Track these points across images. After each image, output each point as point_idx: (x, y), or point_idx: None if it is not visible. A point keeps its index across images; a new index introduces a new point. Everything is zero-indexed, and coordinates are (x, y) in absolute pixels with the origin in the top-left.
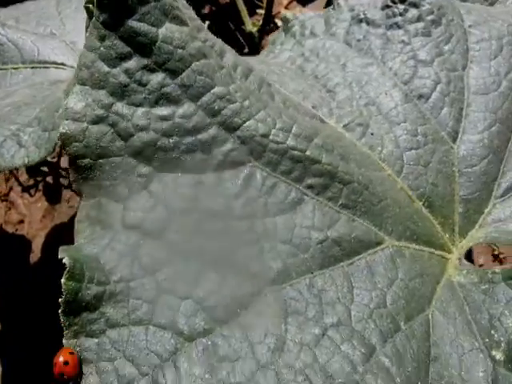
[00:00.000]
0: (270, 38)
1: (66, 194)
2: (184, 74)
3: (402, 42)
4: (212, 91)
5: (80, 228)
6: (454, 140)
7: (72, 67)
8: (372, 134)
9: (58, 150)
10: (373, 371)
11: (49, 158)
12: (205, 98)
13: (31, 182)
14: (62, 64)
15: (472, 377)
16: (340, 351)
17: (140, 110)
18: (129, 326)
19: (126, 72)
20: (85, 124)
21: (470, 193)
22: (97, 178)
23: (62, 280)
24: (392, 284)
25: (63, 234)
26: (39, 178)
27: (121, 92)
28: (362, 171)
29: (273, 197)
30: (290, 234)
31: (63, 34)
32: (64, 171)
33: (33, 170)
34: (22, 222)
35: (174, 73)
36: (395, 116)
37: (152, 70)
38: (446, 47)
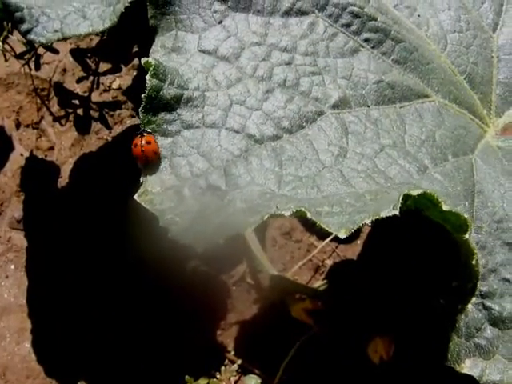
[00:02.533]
0: None
1: (96, 126)
2: None
3: None
4: None
5: (155, 54)
6: (494, 30)
7: None
8: (419, 16)
9: (89, 85)
10: (427, 180)
11: (80, 92)
12: None
13: (62, 113)
14: None
15: None
16: (397, 163)
17: None
18: (202, 128)
19: None
20: None
21: (507, 77)
22: (174, 12)
23: (147, 77)
24: (440, 127)
25: (92, 162)
26: (70, 110)
27: None
28: (411, 37)
29: (333, 43)
30: (349, 72)
31: None
32: (95, 105)
33: (65, 101)
34: (51, 148)
35: None
36: (439, 4)
37: None
38: None
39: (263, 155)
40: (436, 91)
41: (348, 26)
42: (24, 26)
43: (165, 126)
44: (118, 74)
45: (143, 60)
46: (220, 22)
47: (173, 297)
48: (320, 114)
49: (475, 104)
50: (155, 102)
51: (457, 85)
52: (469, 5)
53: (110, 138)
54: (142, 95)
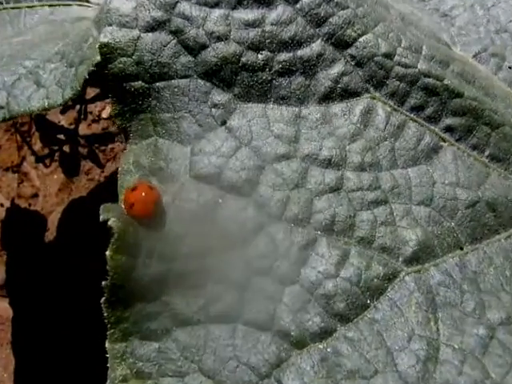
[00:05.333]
0: None
1: (85, 165)
2: None
3: None
4: None
5: (126, 182)
6: None
7: (98, 4)
8: (510, 68)
9: (76, 115)
10: None
11: (66, 124)
12: (306, 0)
13: (46, 151)
14: (87, 1)
15: None
16: None
17: (216, 13)
18: (206, 325)
19: None
20: (136, 31)
21: None
22: (152, 109)
23: (108, 253)
24: None
25: (83, 210)
26: (55, 147)
27: None
28: (510, 111)
29: (401, 140)
30: (428, 190)
31: None
32: (83, 139)
33: (48, 136)
34: (36, 195)
35: None
36: None
37: None
38: None
39: (306, 373)
40: None
41: (421, 108)
42: None
43: (145, 325)
44: (107, 100)
45: (101, 216)
46: (223, 123)
47: None
48: (392, 276)
49: None
50: (124, 291)
51: None
52: None
53: (102, 179)
54: (103, 282)
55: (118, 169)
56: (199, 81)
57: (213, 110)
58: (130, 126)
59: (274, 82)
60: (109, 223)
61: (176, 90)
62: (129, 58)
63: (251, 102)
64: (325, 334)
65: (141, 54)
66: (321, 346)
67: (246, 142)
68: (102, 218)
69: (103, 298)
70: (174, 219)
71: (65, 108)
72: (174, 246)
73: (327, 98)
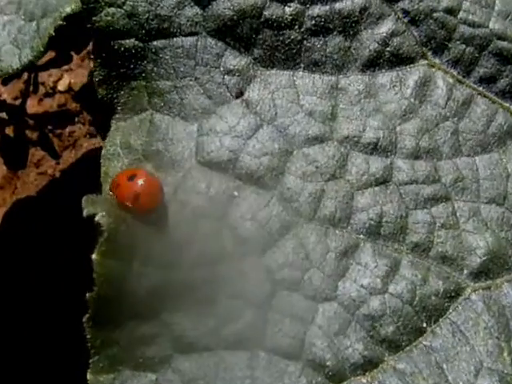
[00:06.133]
0: None
1: (35, 154)
2: None
3: None
4: None
5: (112, 169)
6: None
7: None
8: None
9: (23, 86)
10: None
11: (9, 99)
12: None
13: None
14: None
15: None
16: None
17: None
18: (218, 351)
19: None
20: None
21: None
22: (147, 75)
23: (94, 257)
24: None
25: (30, 212)
26: None
27: None
28: None
29: (467, 121)
30: (502, 187)
31: None
32: (32, 119)
33: None
34: None
35: None
36: None
37: None
38: None
39: None
40: None
41: (492, 80)
42: None
43: (140, 350)
44: (66, 67)
45: (85, 211)
46: (239, 95)
47: None
48: (455, 293)
49: None
50: (112, 307)
51: None
52: None
53: (57, 173)
54: (87, 294)
55: (77, 160)
56: (209, 40)
57: (226, 77)
58: (117, 97)
59: (304, 42)
60: (96, 219)
61: (179, 51)
62: (119, 9)
63: (275, 69)
64: (369, 365)
65: (134, 4)
66: (364, 381)
67: (269, 120)
68: (86, 212)
69: (86, 316)
70: (177, 216)
71: (8, 77)
72: (176, 251)
73: (372, 64)
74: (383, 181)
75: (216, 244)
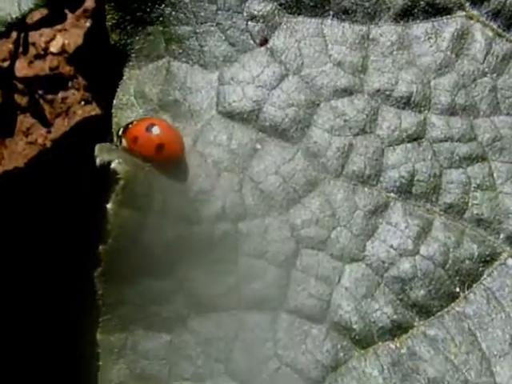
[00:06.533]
0: None
1: (24, 121)
2: None
3: None
4: None
5: (125, 119)
6: None
7: None
8: None
9: (11, 47)
10: None
11: None
12: None
13: None
14: None
15: None
16: None
17: None
18: (237, 311)
19: None
20: None
21: None
22: (165, 19)
23: (109, 206)
24: None
25: (18, 185)
26: None
27: None
28: None
29: (506, 77)
30: None
31: None
32: (21, 83)
33: None
34: None
35: None
36: None
37: None
38: None
39: (371, 376)
40: None
41: None
42: None
43: (154, 309)
44: (59, 27)
45: (98, 159)
46: (264, 42)
47: None
48: (490, 258)
49: None
50: (129, 260)
51: None
52: None
53: (48, 143)
54: (100, 247)
55: (71, 129)
56: None
57: (250, 23)
58: (131, 43)
59: None
60: (112, 166)
61: None
62: None
63: (302, 16)
64: (398, 329)
65: None
66: (392, 346)
67: (295, 70)
68: (99, 160)
69: (98, 270)
70: (197, 168)
71: None
72: (196, 204)
73: (406, 14)
74: (416, 137)
75: (237, 199)
